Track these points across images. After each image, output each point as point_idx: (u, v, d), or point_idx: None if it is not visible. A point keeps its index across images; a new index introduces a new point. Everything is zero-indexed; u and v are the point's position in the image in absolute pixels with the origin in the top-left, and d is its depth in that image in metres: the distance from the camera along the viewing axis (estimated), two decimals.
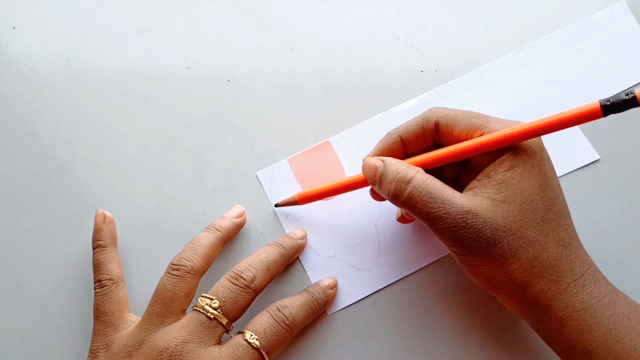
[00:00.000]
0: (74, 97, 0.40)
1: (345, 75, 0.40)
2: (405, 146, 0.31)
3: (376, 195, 0.33)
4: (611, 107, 0.25)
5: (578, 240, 0.29)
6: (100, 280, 0.33)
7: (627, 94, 0.24)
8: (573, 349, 0.27)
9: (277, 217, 0.37)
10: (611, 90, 0.38)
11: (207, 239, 0.33)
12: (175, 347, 0.29)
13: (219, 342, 0.31)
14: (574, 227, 0.29)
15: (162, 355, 0.29)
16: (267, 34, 0.41)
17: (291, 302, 0.32)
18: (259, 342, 0.30)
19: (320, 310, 0.34)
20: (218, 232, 0.34)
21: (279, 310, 0.31)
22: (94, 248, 0.35)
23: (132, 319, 0.32)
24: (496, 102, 0.38)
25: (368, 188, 0.33)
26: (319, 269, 0.36)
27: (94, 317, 0.32)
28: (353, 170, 0.38)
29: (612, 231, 0.36)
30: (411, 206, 0.28)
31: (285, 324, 0.31)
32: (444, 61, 0.40)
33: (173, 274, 0.31)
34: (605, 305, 0.27)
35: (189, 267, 0.32)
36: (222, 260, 0.36)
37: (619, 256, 0.35)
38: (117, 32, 0.41)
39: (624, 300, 0.28)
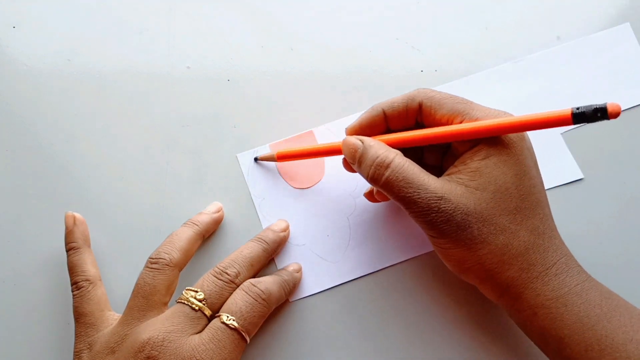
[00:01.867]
0: (73, 97, 0.40)
1: (345, 75, 0.40)
2: (387, 121, 0.32)
3: (349, 167, 0.34)
4: (581, 116, 0.25)
5: (553, 230, 0.29)
6: (77, 282, 0.33)
7: (599, 106, 0.24)
8: (546, 336, 0.28)
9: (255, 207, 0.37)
10: None
11: (185, 233, 0.33)
12: (157, 338, 0.29)
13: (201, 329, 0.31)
14: (551, 216, 0.30)
15: (145, 347, 0.28)
16: (267, 33, 0.41)
17: (264, 278, 0.32)
18: (237, 322, 0.30)
19: (290, 291, 0.34)
20: (196, 226, 0.34)
21: (253, 285, 0.31)
22: (67, 251, 0.34)
23: (114, 317, 0.32)
24: None
25: (342, 172, 0.35)
26: (286, 256, 0.36)
27: (75, 320, 0.32)
28: (333, 162, 0.38)
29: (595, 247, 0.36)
30: (388, 189, 0.29)
31: (262, 298, 0.31)
32: (444, 61, 0.40)
33: (152, 268, 0.31)
34: (577, 294, 0.27)
35: (168, 259, 0.32)
36: (206, 254, 0.37)
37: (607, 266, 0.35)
38: (117, 32, 0.41)
39: (595, 287, 0.28)
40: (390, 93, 0.39)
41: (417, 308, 0.35)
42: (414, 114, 0.31)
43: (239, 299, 0.31)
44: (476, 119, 0.28)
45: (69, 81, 0.40)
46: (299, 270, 0.35)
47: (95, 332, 0.31)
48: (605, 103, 0.24)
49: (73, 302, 0.32)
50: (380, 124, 0.32)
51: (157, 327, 0.29)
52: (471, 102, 0.30)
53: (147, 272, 0.31)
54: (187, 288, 0.31)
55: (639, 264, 0.35)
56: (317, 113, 0.39)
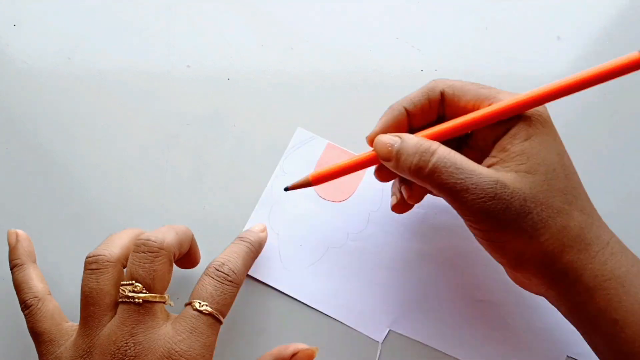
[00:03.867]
0: (73, 96, 0.40)
1: (345, 75, 0.40)
2: (410, 119, 0.30)
3: (382, 176, 0.32)
4: None
5: (595, 209, 0.28)
6: (25, 301, 0.31)
7: None
8: (599, 319, 0.26)
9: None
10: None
11: (125, 231, 0.32)
12: (126, 345, 0.27)
13: (168, 317, 0.29)
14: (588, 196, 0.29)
15: (116, 356, 0.27)
16: (267, 33, 0.41)
17: (227, 257, 0.30)
18: (210, 306, 0.28)
19: (256, 254, 0.33)
20: (136, 230, 0.32)
21: (217, 270, 0.30)
22: (11, 269, 0.33)
23: (72, 328, 0.30)
24: None
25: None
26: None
27: (33, 341, 0.30)
28: (361, 199, 0.37)
29: None
30: (435, 178, 0.27)
31: (228, 280, 0.29)
32: (444, 61, 0.40)
33: (92, 269, 0.29)
34: (635, 274, 0.26)
35: (108, 255, 0.29)
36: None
37: None
38: (117, 31, 0.41)
39: None
40: (390, 92, 0.39)
41: None
42: (436, 106, 0.30)
43: (207, 284, 0.29)
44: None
45: (69, 80, 0.40)
46: (264, 230, 0.35)
47: (57, 347, 0.29)
48: None
49: (27, 323, 0.31)
50: (403, 123, 0.30)
51: (118, 334, 0.27)
52: (494, 88, 0.29)
53: (89, 276, 0.29)
54: (121, 283, 0.29)
55: None
56: (317, 112, 0.39)
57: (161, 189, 0.38)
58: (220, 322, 0.29)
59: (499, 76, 0.39)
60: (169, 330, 0.28)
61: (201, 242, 0.35)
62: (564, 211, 0.26)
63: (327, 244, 0.36)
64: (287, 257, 0.36)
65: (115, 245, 0.30)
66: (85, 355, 0.28)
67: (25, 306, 0.31)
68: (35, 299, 0.31)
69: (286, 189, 0.34)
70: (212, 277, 0.29)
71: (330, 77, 0.40)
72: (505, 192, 0.26)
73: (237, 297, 0.31)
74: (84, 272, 0.29)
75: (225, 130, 0.39)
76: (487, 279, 0.35)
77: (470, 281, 0.35)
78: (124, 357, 0.27)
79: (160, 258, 0.29)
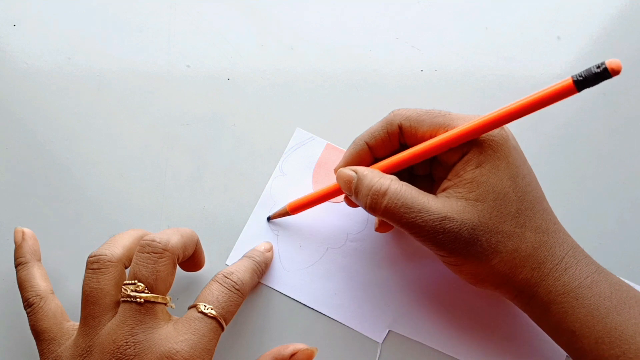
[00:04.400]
0: (73, 95, 0.40)
1: (345, 74, 0.40)
2: (372, 151, 0.32)
3: (351, 202, 0.34)
4: (584, 81, 0.25)
5: (556, 223, 0.29)
6: (27, 299, 0.31)
7: (597, 67, 0.24)
8: (559, 330, 0.28)
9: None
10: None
11: (128, 231, 0.32)
12: (126, 344, 0.27)
13: (169, 318, 0.29)
14: (550, 210, 0.30)
15: (116, 355, 0.27)
16: (267, 32, 0.41)
17: (236, 268, 0.31)
18: (215, 310, 0.29)
19: (262, 272, 0.34)
20: (140, 231, 0.33)
21: (226, 277, 0.30)
22: (15, 267, 0.33)
23: (73, 327, 0.30)
24: None
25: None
26: (256, 230, 0.37)
27: (35, 339, 0.30)
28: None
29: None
30: (389, 217, 0.29)
31: (236, 288, 0.30)
32: (444, 61, 0.40)
33: (94, 269, 0.29)
34: (587, 287, 0.28)
35: (110, 255, 0.29)
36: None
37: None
38: (117, 30, 0.41)
39: (606, 279, 0.28)
40: (390, 92, 0.39)
41: None
42: (396, 138, 0.31)
43: (215, 290, 0.30)
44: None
45: (68, 79, 0.40)
46: (270, 250, 0.35)
47: (57, 346, 0.29)
48: (604, 62, 0.24)
49: (28, 321, 0.31)
50: (365, 156, 0.32)
51: (118, 333, 0.27)
52: (449, 113, 0.30)
53: (90, 276, 0.29)
54: (124, 283, 0.29)
55: (635, 265, 0.35)
56: (317, 112, 0.39)
57: (161, 189, 0.38)
58: (222, 328, 0.29)
59: (499, 76, 0.39)
60: (170, 331, 0.28)
61: (201, 242, 0.35)
62: (515, 234, 0.28)
63: (327, 244, 0.36)
64: (286, 258, 0.36)
65: (117, 246, 0.30)
66: (85, 355, 0.28)
67: (27, 304, 0.31)
68: (38, 297, 0.31)
69: (268, 219, 0.37)
70: (220, 284, 0.30)
71: (330, 77, 0.40)
72: (453, 225, 0.27)
73: None
74: (85, 272, 0.29)
75: (225, 130, 0.39)
76: None
77: None
78: (124, 356, 0.27)
79: (164, 259, 0.29)
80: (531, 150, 0.37)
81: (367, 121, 0.34)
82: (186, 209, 0.38)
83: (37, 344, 0.30)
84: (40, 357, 0.30)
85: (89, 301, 0.29)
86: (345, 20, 0.41)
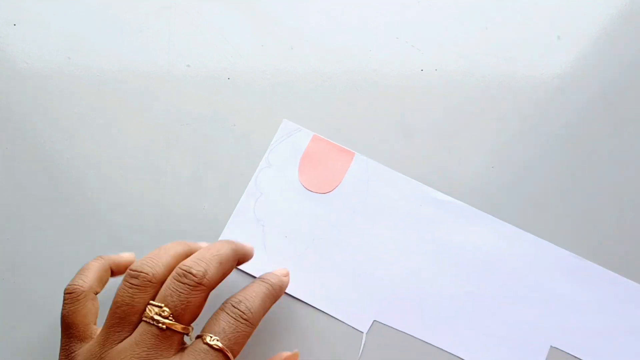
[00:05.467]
0: (73, 95, 0.40)
1: (345, 74, 0.40)
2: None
3: None
4: None
5: None
6: (71, 285, 0.30)
7: None
8: None
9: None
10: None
11: (173, 246, 0.31)
12: None
13: (181, 349, 0.28)
14: None
15: None
16: (267, 32, 0.41)
17: (245, 295, 0.30)
18: (221, 342, 0.27)
19: (276, 297, 0.32)
20: (184, 245, 0.32)
21: (234, 306, 0.29)
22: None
23: (96, 332, 0.30)
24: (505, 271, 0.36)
25: None
26: (239, 229, 0.36)
27: (61, 327, 0.30)
28: (346, 192, 0.37)
29: None
30: None
31: (244, 318, 0.28)
32: (444, 60, 0.40)
33: (132, 284, 0.28)
34: None
35: (151, 275, 0.28)
36: None
37: None
38: (117, 30, 0.41)
39: None
40: (390, 92, 0.39)
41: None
42: None
43: (222, 319, 0.28)
44: None
45: (69, 79, 0.40)
46: (287, 275, 0.34)
47: (77, 345, 0.29)
48: None
49: (62, 309, 0.30)
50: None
51: (128, 354, 0.27)
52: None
53: (126, 289, 0.28)
54: (150, 302, 0.28)
55: (635, 265, 0.35)
56: (316, 112, 0.39)
57: (161, 188, 0.38)
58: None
59: (499, 76, 0.39)
60: None
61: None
62: None
63: (313, 235, 0.36)
64: (272, 248, 0.36)
65: (160, 265, 0.29)
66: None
67: (68, 290, 0.30)
68: (81, 289, 0.30)
69: None
70: (227, 313, 0.28)
71: (330, 76, 0.40)
72: None
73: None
74: (123, 283, 0.29)
75: (225, 130, 0.39)
76: (471, 271, 0.35)
77: (454, 273, 0.35)
78: None
79: (197, 292, 0.28)
80: (531, 151, 0.38)
81: (367, 121, 0.34)
82: (186, 209, 0.38)
83: (62, 334, 0.30)
84: (61, 347, 0.30)
85: (116, 314, 0.28)
86: (345, 20, 0.41)
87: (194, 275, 0.28)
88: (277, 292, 0.31)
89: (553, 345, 0.34)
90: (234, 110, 0.39)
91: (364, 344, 0.34)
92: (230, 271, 0.31)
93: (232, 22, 0.41)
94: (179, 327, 0.28)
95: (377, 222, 0.37)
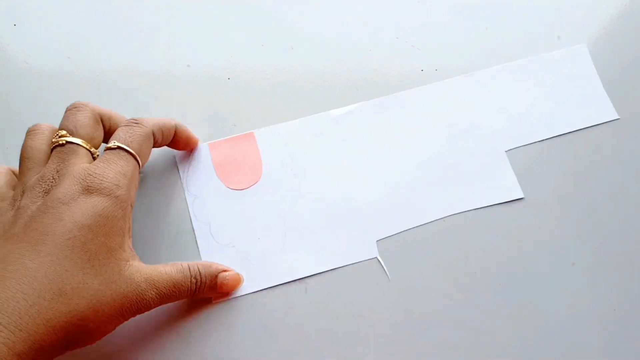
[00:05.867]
0: (73, 95, 0.40)
1: (346, 74, 0.40)
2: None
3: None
4: None
5: None
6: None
7: None
8: None
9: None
10: (549, 129, 0.38)
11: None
12: (51, 177, 0.29)
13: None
14: None
15: (41, 187, 0.29)
16: (268, 32, 0.41)
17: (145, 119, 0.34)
18: (118, 142, 0.31)
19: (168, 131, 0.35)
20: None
21: (128, 120, 0.33)
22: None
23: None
24: (428, 123, 0.38)
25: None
26: (212, 254, 0.35)
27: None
28: (271, 165, 0.38)
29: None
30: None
31: (135, 123, 0.32)
32: (444, 60, 0.40)
33: (30, 131, 0.32)
34: None
35: (45, 125, 0.32)
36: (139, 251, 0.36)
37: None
38: (117, 30, 0.41)
39: None
40: (390, 92, 0.39)
41: (354, 314, 0.34)
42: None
43: (119, 131, 0.32)
44: None
45: (69, 79, 0.40)
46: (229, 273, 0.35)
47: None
48: None
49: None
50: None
51: (44, 171, 0.30)
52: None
53: (27, 138, 0.32)
54: (53, 136, 0.32)
55: (577, 288, 0.35)
56: (317, 111, 0.39)
57: (154, 189, 0.38)
58: (133, 156, 0.31)
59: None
60: (85, 164, 0.31)
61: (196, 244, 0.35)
62: None
63: (280, 220, 0.36)
64: (256, 257, 0.35)
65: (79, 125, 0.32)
66: (20, 197, 0.30)
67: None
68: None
69: None
70: (123, 127, 0.32)
71: (330, 76, 0.40)
72: None
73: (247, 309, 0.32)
74: (25, 138, 0.32)
75: (225, 130, 0.39)
76: (425, 137, 0.38)
77: (414, 153, 0.38)
78: (47, 185, 0.29)
79: (83, 112, 0.32)
80: (530, 152, 0.38)
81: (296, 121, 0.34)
82: (186, 208, 0.37)
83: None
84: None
85: (24, 156, 0.32)
86: (345, 20, 0.41)
87: (135, 119, 0.33)
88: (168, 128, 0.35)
89: (507, 150, 0.37)
90: (234, 110, 0.39)
91: (385, 266, 0.34)
92: (170, 136, 0.35)
93: (232, 22, 0.41)
94: (75, 140, 0.31)
95: (329, 169, 0.37)
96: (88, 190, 0.29)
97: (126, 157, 0.31)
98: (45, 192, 0.29)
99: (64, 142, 0.31)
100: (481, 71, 0.39)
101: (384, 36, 0.40)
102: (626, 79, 0.39)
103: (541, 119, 0.38)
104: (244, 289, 0.34)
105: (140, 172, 0.34)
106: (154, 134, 0.33)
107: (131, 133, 0.32)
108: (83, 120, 0.32)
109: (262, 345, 0.33)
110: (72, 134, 0.31)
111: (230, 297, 0.34)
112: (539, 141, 0.37)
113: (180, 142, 0.36)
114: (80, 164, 0.30)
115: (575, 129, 0.37)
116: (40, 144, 0.32)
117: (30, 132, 0.33)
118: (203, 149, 0.38)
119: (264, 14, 0.41)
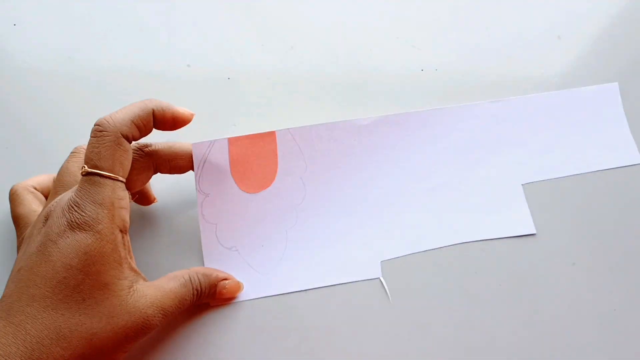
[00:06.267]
0: (74, 95, 0.40)
1: (346, 74, 0.40)
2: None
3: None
4: None
5: None
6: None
7: None
8: None
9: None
10: (570, 167, 0.37)
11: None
12: (68, 206, 0.28)
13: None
14: None
15: (63, 215, 0.28)
16: (268, 32, 0.41)
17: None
18: (87, 166, 0.29)
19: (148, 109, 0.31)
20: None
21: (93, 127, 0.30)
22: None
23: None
24: (448, 145, 0.37)
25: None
26: (215, 258, 0.35)
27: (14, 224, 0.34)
28: (286, 171, 0.36)
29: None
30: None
31: (99, 131, 0.29)
32: (444, 60, 0.40)
33: (72, 153, 0.33)
34: None
35: (80, 147, 0.33)
36: (143, 246, 0.36)
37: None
38: (117, 29, 0.41)
39: None
40: (390, 92, 0.39)
41: (349, 333, 0.33)
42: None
43: (86, 148, 0.29)
44: None
45: (69, 79, 0.40)
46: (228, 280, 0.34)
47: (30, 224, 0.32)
48: None
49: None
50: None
51: (64, 197, 0.29)
52: None
53: (69, 159, 0.33)
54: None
55: (587, 325, 0.35)
56: (317, 111, 0.39)
57: (160, 187, 0.38)
58: (107, 177, 0.28)
59: (499, 76, 0.39)
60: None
61: (200, 244, 0.35)
62: None
63: (284, 228, 0.36)
64: (258, 265, 0.35)
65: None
66: (44, 220, 0.29)
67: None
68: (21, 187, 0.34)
69: None
70: (90, 137, 0.29)
71: (330, 76, 0.40)
72: None
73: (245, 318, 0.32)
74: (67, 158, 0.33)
75: (225, 130, 0.39)
76: (439, 160, 0.37)
77: (425, 172, 0.37)
78: (70, 215, 0.28)
79: (100, 138, 0.29)
80: (547, 187, 0.37)
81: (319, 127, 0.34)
82: (186, 208, 0.37)
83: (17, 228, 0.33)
84: (18, 238, 0.33)
85: (57, 177, 0.32)
86: (345, 20, 0.41)
87: (98, 125, 0.29)
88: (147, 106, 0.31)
89: (523, 183, 0.36)
90: (234, 110, 0.39)
91: (387, 287, 0.34)
92: (149, 124, 0.31)
93: (232, 22, 0.41)
94: (97, 171, 0.28)
95: (333, 179, 0.36)
96: (71, 225, 0.27)
97: (99, 182, 0.28)
98: (67, 223, 0.28)
99: (84, 172, 0.29)
100: (507, 99, 0.38)
101: (384, 36, 0.40)
102: (626, 79, 0.39)
103: (563, 155, 0.37)
104: (244, 295, 0.34)
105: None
106: (125, 135, 0.29)
107: (97, 147, 0.29)
108: (100, 149, 0.29)
109: (256, 356, 0.33)
110: (93, 166, 0.29)
111: (228, 303, 0.34)
112: (557, 178, 0.36)
113: (166, 124, 0.32)
114: (69, 196, 0.29)
115: (596, 169, 0.36)
116: (73, 166, 0.32)
117: (71, 154, 0.33)
118: (222, 144, 0.37)
119: (265, 14, 0.41)
